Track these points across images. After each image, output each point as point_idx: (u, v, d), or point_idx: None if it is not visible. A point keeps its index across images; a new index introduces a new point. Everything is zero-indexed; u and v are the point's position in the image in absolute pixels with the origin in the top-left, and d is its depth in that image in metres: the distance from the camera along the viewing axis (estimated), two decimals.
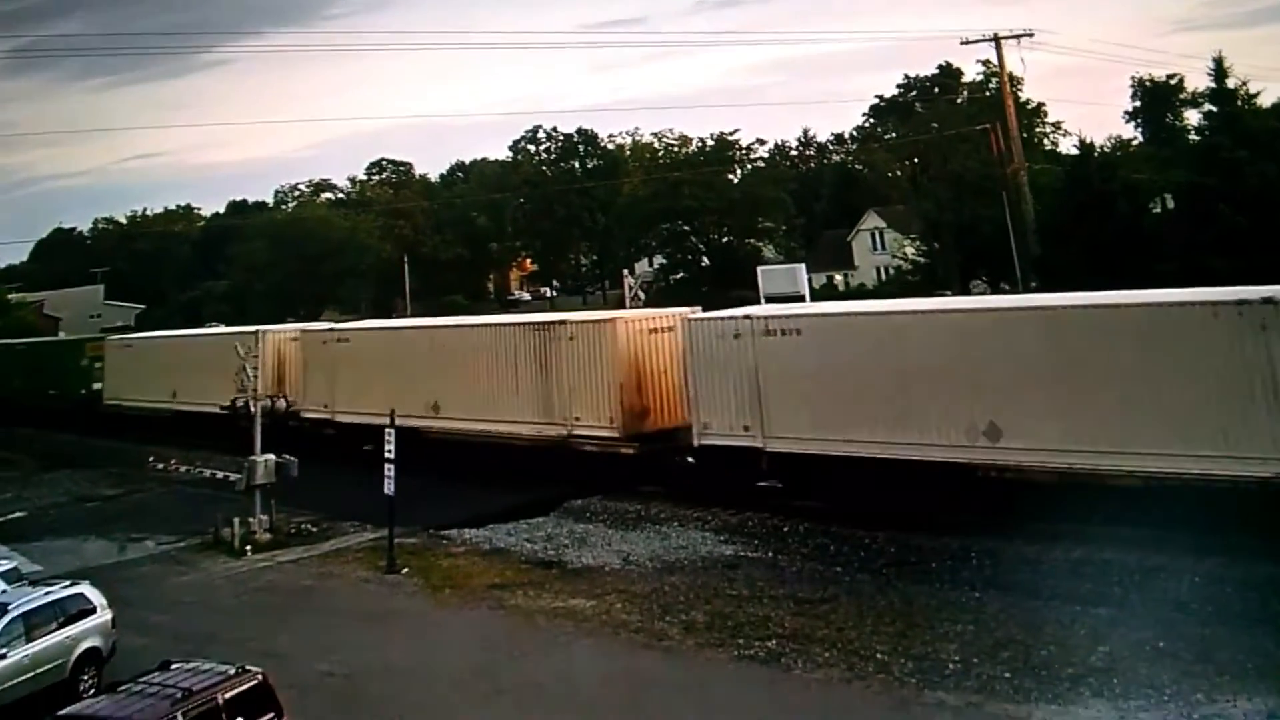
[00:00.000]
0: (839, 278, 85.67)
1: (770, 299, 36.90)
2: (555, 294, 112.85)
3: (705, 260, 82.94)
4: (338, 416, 33.50)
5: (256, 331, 37.43)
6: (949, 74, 78.25)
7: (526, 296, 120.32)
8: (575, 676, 15.93)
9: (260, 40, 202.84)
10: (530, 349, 28.21)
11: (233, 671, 12.75)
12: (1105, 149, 51.00)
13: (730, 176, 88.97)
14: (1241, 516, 17.37)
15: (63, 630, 16.31)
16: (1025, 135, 55.62)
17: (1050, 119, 74.48)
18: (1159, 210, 44.11)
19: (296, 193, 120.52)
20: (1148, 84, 72.44)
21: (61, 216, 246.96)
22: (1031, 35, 46.26)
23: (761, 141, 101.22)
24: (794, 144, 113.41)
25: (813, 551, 20.98)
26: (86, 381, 47.45)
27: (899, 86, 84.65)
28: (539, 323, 28.94)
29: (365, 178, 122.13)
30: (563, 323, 28.25)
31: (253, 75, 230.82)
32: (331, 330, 36.11)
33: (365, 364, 33.12)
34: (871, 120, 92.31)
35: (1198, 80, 56.92)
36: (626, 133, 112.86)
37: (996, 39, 46.72)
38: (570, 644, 17.20)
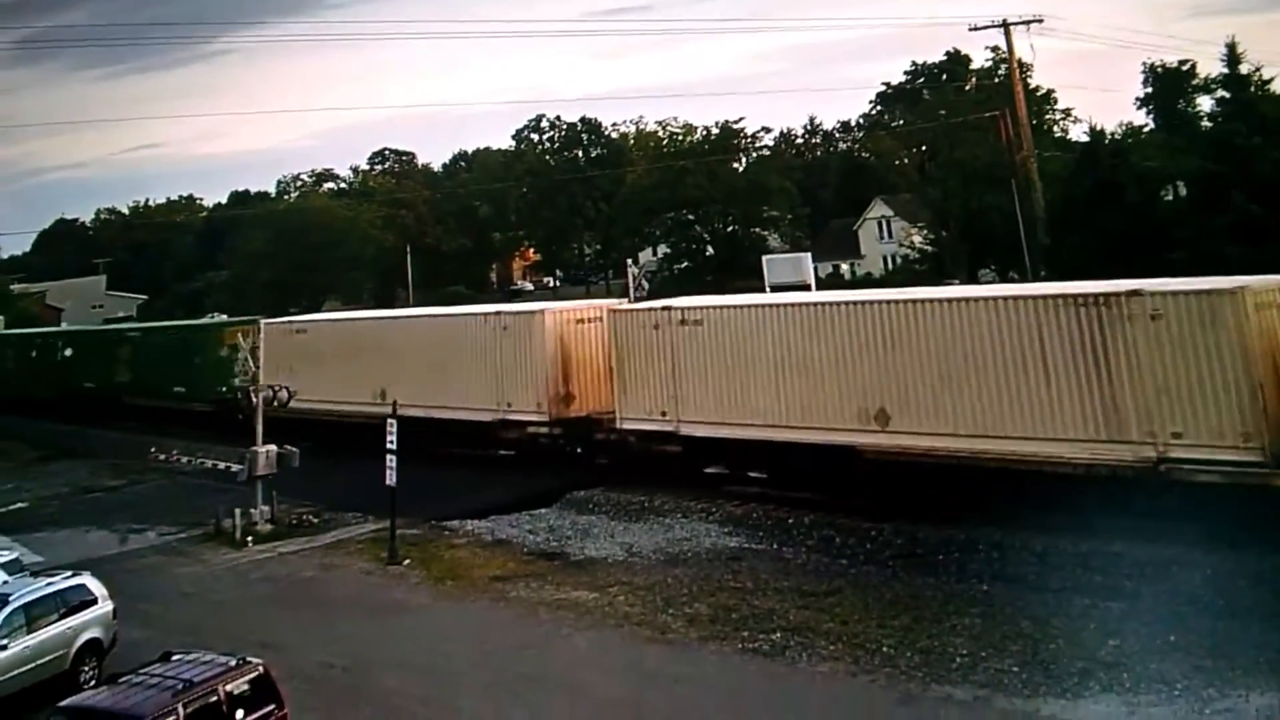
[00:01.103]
0: (845, 267, 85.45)
1: (775, 288, 36.69)
2: (558, 284, 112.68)
3: (710, 249, 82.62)
4: (685, 428, 24.95)
5: (535, 311, 29.46)
6: (957, 61, 77.75)
7: (529, 286, 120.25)
8: (577, 669, 15.81)
9: (263, 30, 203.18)
10: (1067, 334, 19.29)
11: (234, 663, 12.71)
12: (1116, 136, 50.66)
13: (735, 165, 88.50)
14: None
15: (64, 621, 16.27)
16: (1035, 122, 55.18)
17: (1060, 106, 73.86)
18: (1171, 198, 43.75)
19: (299, 183, 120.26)
20: (1159, 70, 71.86)
21: (64, 207, 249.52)
22: (1041, 21, 45.77)
23: (767, 130, 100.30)
24: (800, 132, 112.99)
25: (818, 543, 20.85)
26: (225, 377, 37.66)
27: (906, 74, 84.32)
28: (1085, 295, 19.59)
29: (367, 168, 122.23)
30: (1135, 294, 18.80)
31: (255, 65, 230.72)
32: (668, 309, 26.10)
33: (732, 356, 24.23)
34: (879, 108, 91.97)
35: (1210, 66, 56.41)
36: (630, 121, 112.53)
37: (1005, 25, 46.23)
38: (572, 636, 17.09)
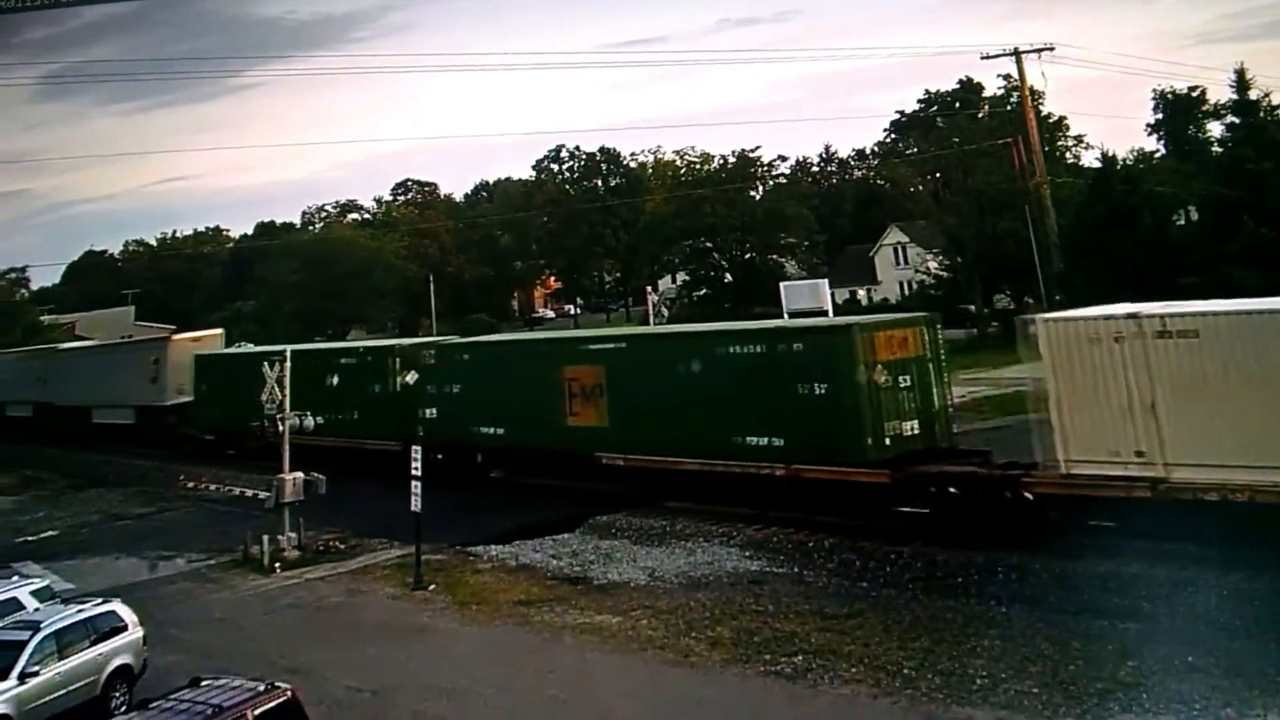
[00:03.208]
0: (862, 293, 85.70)
1: (793, 314, 36.98)
2: (579, 312, 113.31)
3: (728, 277, 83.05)
4: None
5: None
6: (970, 89, 78.09)
7: (551, 315, 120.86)
8: (601, 693, 15.96)
9: (287, 64, 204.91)
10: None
11: (262, 688, 12.83)
12: (1128, 161, 50.86)
13: (752, 193, 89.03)
14: None
15: (94, 648, 16.48)
16: (1047, 149, 55.36)
17: (1072, 132, 74.02)
18: (1182, 222, 43.87)
19: (323, 214, 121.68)
20: (1169, 96, 72.31)
21: (93, 239, 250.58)
22: (1052, 49, 46.12)
23: (783, 158, 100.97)
24: (816, 160, 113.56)
25: (838, 567, 20.96)
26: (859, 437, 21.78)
27: (920, 102, 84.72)
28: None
29: (391, 198, 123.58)
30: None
31: (280, 98, 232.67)
32: None
33: None
34: (893, 136, 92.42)
35: (1219, 92, 56.80)
36: (649, 151, 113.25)
37: (1017, 53, 46.58)
38: (596, 661, 17.24)
